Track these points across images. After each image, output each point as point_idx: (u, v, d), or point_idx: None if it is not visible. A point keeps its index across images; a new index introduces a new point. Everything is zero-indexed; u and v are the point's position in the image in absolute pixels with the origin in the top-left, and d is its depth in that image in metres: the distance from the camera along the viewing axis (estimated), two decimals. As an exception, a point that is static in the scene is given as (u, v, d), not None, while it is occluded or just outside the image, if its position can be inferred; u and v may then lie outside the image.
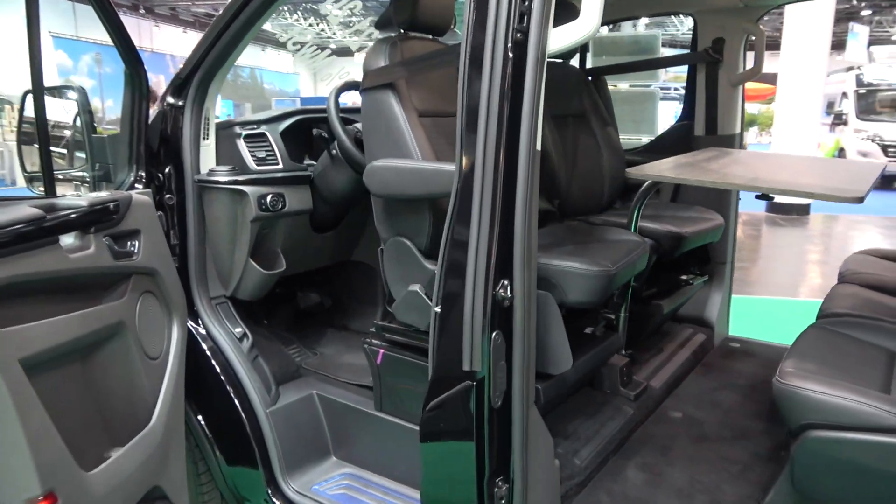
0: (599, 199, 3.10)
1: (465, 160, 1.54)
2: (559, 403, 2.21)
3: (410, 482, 2.06)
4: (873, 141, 13.11)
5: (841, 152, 13.62)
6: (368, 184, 1.90)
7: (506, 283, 1.54)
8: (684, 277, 2.95)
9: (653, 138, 3.46)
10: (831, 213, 10.08)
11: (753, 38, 2.92)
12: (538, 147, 1.54)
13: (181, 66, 2.18)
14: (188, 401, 2.11)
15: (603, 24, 1.52)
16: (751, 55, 3.03)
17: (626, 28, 6.59)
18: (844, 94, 14.22)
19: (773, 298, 5.45)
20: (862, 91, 13.90)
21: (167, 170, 2.20)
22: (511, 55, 1.47)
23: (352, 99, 2.57)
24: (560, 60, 3.05)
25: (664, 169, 1.99)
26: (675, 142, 3.26)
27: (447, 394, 1.59)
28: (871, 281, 2.23)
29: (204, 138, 2.25)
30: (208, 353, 2.20)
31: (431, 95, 2.12)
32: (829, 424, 1.35)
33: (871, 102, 13.81)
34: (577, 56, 3.42)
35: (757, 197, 2.43)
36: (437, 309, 1.63)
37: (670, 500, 1.91)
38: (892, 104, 13.76)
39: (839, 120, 14.12)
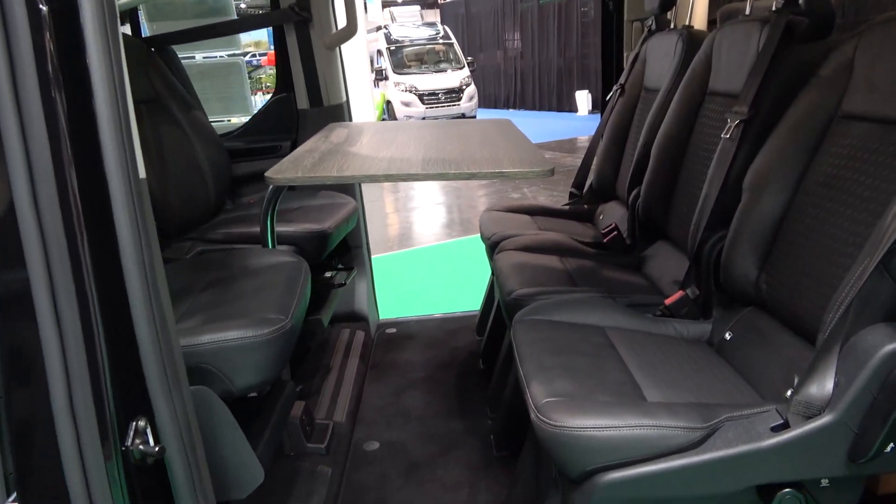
0: (206, 204, 2.44)
1: None
2: None
3: None
4: (411, 92, 14.72)
5: (388, 104, 14.99)
6: None
7: (142, 423, 0.86)
8: (329, 275, 2.53)
9: (249, 117, 2.89)
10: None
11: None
12: (142, 171, 0.88)
13: None
14: None
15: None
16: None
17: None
18: (380, 52, 15.57)
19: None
20: (392, 48, 15.40)
21: None
22: (44, 7, 0.77)
23: None
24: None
25: (308, 165, 1.49)
26: (278, 118, 2.77)
27: None
28: (525, 243, 2.15)
29: None
30: None
31: None
32: (620, 463, 1.10)
33: (400, 58, 15.41)
34: (128, 23, 2.60)
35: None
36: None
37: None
38: (417, 58, 15.60)
39: (380, 75, 15.45)
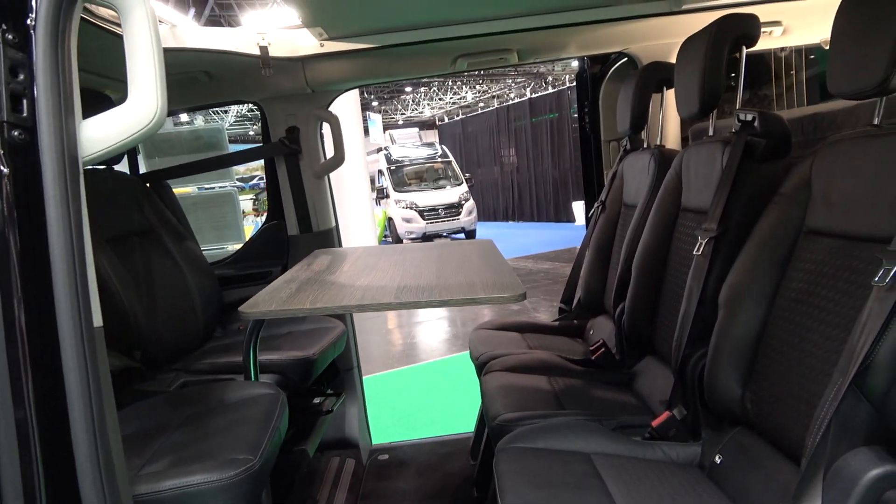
0: (195, 333, 2.44)
1: None
2: None
3: None
4: (411, 208, 15.11)
5: (390, 221, 15.35)
6: None
7: None
8: (316, 401, 2.49)
9: (241, 245, 2.96)
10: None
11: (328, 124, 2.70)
12: (97, 319, 0.88)
13: None
14: None
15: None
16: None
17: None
18: (381, 172, 16.15)
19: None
20: (393, 167, 15.99)
21: None
22: (6, 169, 0.81)
23: None
24: (102, 167, 2.32)
25: (283, 298, 1.50)
26: (269, 245, 2.82)
27: None
28: (512, 363, 2.13)
29: None
30: None
31: None
32: None
33: (401, 176, 15.95)
34: (126, 160, 2.72)
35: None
36: None
37: None
38: (417, 176, 16.14)
39: (382, 194, 15.94)
